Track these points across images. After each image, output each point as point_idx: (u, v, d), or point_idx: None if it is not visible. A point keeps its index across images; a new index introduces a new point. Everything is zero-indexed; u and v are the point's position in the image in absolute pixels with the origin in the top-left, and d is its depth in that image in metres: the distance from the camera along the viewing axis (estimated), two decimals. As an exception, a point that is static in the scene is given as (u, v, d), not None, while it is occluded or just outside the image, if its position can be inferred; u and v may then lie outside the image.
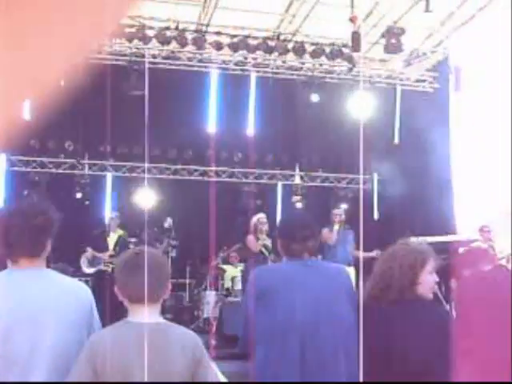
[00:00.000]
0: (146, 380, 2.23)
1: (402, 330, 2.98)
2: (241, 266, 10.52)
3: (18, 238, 2.47)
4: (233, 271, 10.61)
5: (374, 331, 2.79)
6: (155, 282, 2.41)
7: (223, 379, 2.88)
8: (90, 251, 9.64)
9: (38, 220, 2.51)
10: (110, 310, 3.06)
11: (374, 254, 10.29)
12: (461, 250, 9.16)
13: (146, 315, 2.38)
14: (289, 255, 3.27)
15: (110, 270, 9.21)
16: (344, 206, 11.99)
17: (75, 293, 2.59)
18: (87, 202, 12.34)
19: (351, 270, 8.63)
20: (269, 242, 8.69)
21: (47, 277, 2.58)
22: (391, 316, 3.02)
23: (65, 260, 8.92)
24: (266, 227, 8.82)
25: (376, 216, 13.26)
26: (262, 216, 9.05)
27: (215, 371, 2.62)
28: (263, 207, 11.63)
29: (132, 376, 2.28)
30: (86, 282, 8.91)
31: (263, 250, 8.71)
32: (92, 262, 9.63)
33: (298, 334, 2.99)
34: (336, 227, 9.75)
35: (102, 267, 9.49)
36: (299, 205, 13.38)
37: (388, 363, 2.92)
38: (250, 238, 8.86)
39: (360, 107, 11.75)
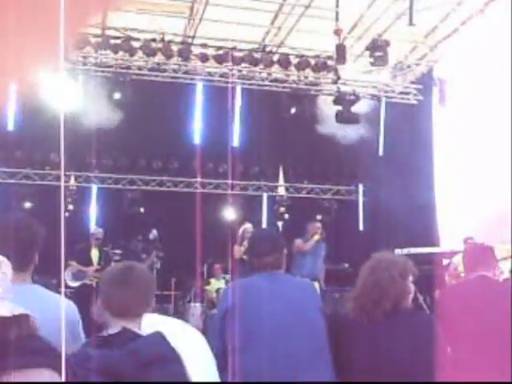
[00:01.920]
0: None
1: (406, 343, 2.92)
2: (226, 278, 10.48)
3: (4, 254, 2.44)
4: (217, 283, 10.56)
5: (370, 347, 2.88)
6: (141, 298, 2.40)
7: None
8: (74, 265, 9.54)
9: (24, 234, 2.50)
10: (90, 324, 3.04)
11: None
12: (444, 261, 9.23)
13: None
14: (252, 269, 3.41)
15: (94, 284, 9.15)
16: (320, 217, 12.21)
17: (61, 309, 2.56)
18: (67, 214, 12.05)
19: (316, 285, 8.59)
20: None
21: (34, 293, 2.55)
22: (389, 329, 2.96)
23: (48, 273, 8.81)
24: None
25: (361, 227, 13.31)
26: (248, 226, 9.04)
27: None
28: (248, 218, 11.61)
29: None
30: (70, 294, 8.87)
31: (244, 257, 8.61)
32: (76, 276, 9.53)
33: (280, 334, 3.05)
34: (316, 237, 9.62)
35: (86, 281, 9.40)
36: (285, 216, 13.40)
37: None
38: (236, 248, 8.84)
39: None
